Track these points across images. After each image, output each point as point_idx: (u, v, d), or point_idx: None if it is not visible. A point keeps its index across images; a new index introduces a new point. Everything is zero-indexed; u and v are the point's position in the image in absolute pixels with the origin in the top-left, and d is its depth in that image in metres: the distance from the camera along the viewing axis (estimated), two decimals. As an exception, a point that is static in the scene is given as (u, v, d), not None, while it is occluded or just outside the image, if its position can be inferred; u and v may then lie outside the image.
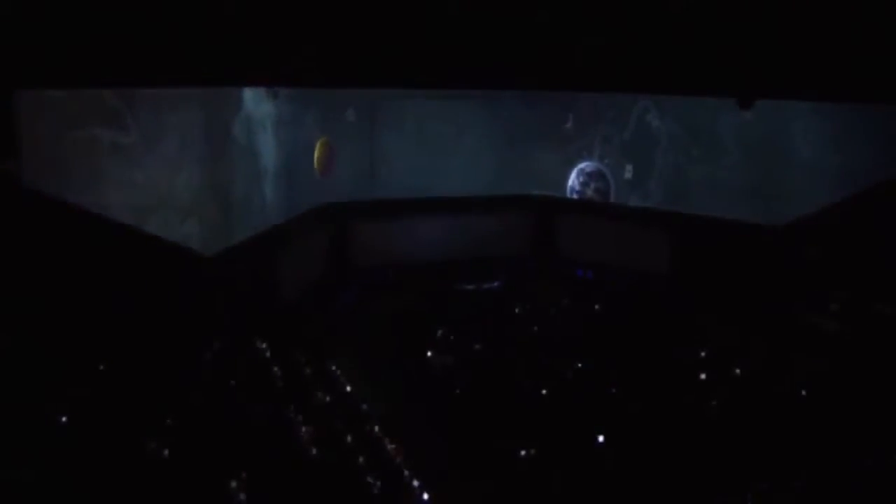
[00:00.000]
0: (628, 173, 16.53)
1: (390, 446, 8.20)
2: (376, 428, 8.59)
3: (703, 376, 10.43)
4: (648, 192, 16.67)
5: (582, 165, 17.44)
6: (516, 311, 13.61)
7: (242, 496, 6.77)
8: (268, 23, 8.26)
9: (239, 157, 12.69)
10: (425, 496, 7.39)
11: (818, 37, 8.18)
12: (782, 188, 14.27)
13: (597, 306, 13.98)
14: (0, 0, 6.48)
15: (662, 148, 16.32)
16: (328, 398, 9.26)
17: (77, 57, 7.51)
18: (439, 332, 12.25)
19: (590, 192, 17.35)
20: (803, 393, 9.69)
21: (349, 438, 8.23)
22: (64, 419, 6.82)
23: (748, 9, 7.72)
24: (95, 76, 8.26)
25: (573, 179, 17.51)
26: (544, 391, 10.03)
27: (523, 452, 8.44)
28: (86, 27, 7.18)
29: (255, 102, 13.13)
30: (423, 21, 8.68)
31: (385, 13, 8.51)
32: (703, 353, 11.13)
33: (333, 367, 10.33)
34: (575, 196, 17.43)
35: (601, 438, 8.73)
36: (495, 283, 15.83)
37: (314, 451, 7.86)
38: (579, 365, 10.89)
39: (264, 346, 10.26)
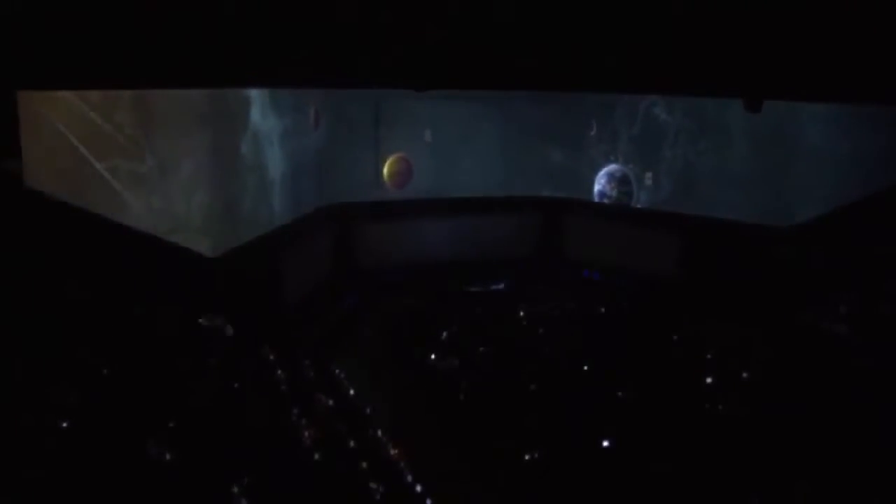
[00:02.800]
0: (648, 180, 16.57)
1: (393, 450, 8.16)
2: (379, 432, 8.55)
3: (709, 380, 10.35)
4: (658, 185, 16.61)
5: (609, 169, 17.37)
6: (521, 313, 13.55)
7: (244, 501, 6.73)
8: (269, 21, 8.22)
9: (247, 173, 12.93)
10: (428, 501, 7.34)
11: (826, 38, 8.08)
12: (791, 176, 14.15)
13: (602, 308, 13.91)
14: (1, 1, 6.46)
15: (670, 140, 16.26)
16: (331, 402, 9.22)
17: (77, 58, 7.49)
18: (444, 335, 12.20)
19: (616, 195, 17.32)
20: (810, 395, 9.60)
21: (352, 443, 8.19)
22: (65, 424, 6.79)
23: (755, 9, 7.63)
24: (96, 77, 8.24)
25: (604, 185, 17.43)
26: (549, 394, 9.97)
27: (527, 456, 8.38)
28: (86, 28, 7.15)
29: (262, 117, 13.31)
30: (425, 20, 8.61)
31: (388, 11, 8.45)
32: (709, 356, 11.05)
33: (337, 371, 10.30)
34: (606, 201, 17.36)
35: (606, 442, 8.67)
36: (501, 285, 15.78)
37: (317, 455, 7.81)
38: (585, 367, 10.82)
39: (268, 348, 10.22)
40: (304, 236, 14.43)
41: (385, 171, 16.64)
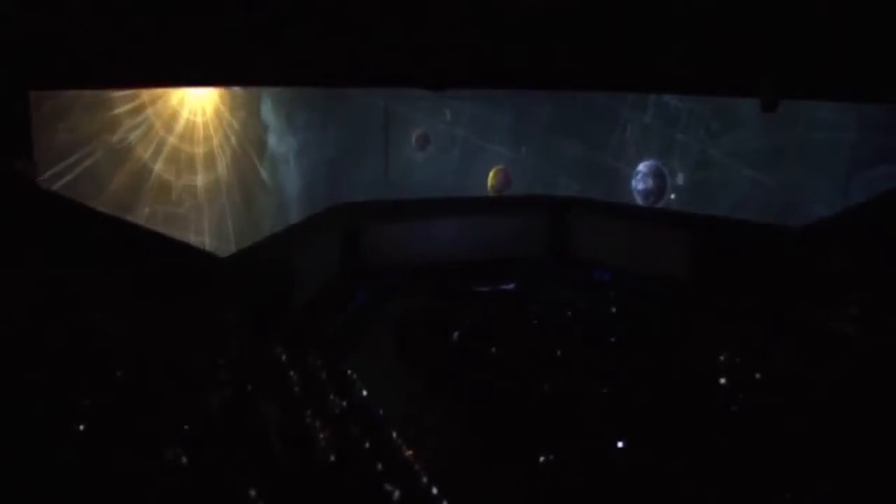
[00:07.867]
0: (679, 180, 16.64)
1: (408, 452, 8.11)
2: (394, 433, 8.50)
3: (722, 380, 10.30)
4: (671, 171, 16.62)
5: (648, 167, 17.34)
6: (532, 313, 13.49)
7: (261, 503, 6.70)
8: (273, 22, 8.22)
9: (265, 196, 13.34)
10: (444, 503, 7.30)
11: (839, 39, 8.05)
12: (803, 157, 14.13)
13: (613, 308, 13.84)
14: (9, 4, 6.47)
15: (682, 125, 16.27)
16: (345, 403, 9.17)
17: (86, 58, 7.50)
18: (455, 335, 12.16)
19: (650, 188, 17.33)
20: (823, 395, 9.55)
21: (367, 444, 8.14)
22: (81, 427, 6.77)
23: (770, 11, 7.60)
24: (105, 77, 8.26)
25: (648, 182, 17.39)
26: (561, 394, 9.93)
27: (542, 457, 8.35)
28: (93, 30, 7.16)
29: (278, 139, 13.64)
30: (431, 19, 8.60)
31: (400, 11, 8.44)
32: (721, 357, 11.00)
33: (349, 371, 10.25)
34: (652, 199, 17.31)
35: (620, 443, 8.63)
36: (511, 285, 15.72)
37: (332, 457, 7.78)
38: (596, 367, 10.78)
39: (280, 349, 10.18)
40: (314, 236, 14.41)
41: (490, 179, 18.53)
